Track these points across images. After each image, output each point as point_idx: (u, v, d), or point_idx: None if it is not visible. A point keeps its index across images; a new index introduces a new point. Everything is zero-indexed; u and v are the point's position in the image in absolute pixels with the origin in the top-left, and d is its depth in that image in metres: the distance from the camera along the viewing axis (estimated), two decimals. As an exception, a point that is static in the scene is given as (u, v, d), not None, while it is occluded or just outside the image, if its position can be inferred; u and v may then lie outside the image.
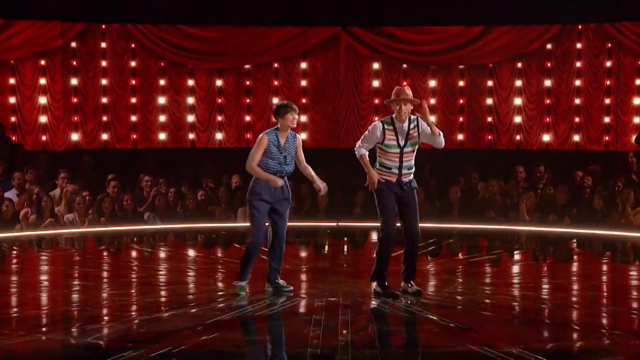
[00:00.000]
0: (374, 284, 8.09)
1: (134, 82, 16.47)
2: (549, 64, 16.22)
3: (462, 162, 16.00)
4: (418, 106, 8.00)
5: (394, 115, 7.92)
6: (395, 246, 8.05)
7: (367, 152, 8.00)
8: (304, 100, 16.51)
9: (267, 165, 7.96)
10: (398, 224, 7.97)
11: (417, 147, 7.96)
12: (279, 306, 7.77)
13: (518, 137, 16.36)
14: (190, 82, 16.57)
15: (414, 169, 7.99)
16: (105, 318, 7.40)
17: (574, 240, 12.98)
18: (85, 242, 13.06)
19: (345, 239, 12.98)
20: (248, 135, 16.53)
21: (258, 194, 7.95)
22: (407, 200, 7.89)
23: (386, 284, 8.00)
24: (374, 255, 8.11)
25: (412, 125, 7.90)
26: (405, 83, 16.32)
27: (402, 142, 7.86)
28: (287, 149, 7.98)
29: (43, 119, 16.15)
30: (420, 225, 8.00)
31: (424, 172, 14.53)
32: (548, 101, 16.26)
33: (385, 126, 7.87)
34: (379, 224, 7.91)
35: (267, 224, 8.12)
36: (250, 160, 7.99)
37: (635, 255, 12.07)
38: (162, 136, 16.57)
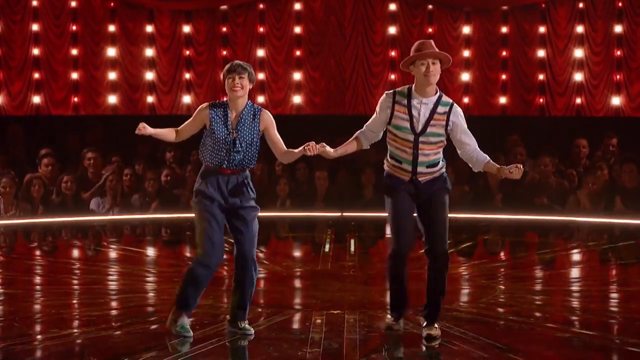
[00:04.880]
0: (388, 317, 7.53)
1: (74, 27, 16.40)
2: (619, 4, 16.15)
3: (504, 133, 15.98)
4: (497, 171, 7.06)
5: (413, 86, 7.11)
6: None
7: (366, 140, 7.21)
8: (298, 53, 16.46)
9: (206, 148, 7.23)
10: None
11: (443, 140, 7.14)
12: (266, 320, 7.77)
13: (579, 101, 16.33)
14: (149, 29, 16.51)
15: (440, 167, 7.21)
16: (39, 337, 7.39)
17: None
18: (11, 238, 13.04)
19: (352, 232, 13.00)
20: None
21: (200, 191, 7.19)
22: (430, 205, 7.14)
23: (400, 320, 7.36)
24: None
25: (441, 109, 7.07)
26: (430, 30, 16.29)
27: (418, 127, 7.03)
28: (239, 129, 7.18)
29: (-44, 76, 16.14)
30: (449, 223, 7.23)
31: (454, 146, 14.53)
32: (619, 53, 16.22)
33: (397, 97, 7.09)
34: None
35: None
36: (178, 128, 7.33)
37: None
38: (113, 99, 16.52)
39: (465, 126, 7.16)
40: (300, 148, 7.13)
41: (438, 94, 7.13)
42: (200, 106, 7.36)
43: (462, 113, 7.17)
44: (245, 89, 7.25)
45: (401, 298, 7.31)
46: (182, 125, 7.38)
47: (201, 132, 7.36)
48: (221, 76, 7.37)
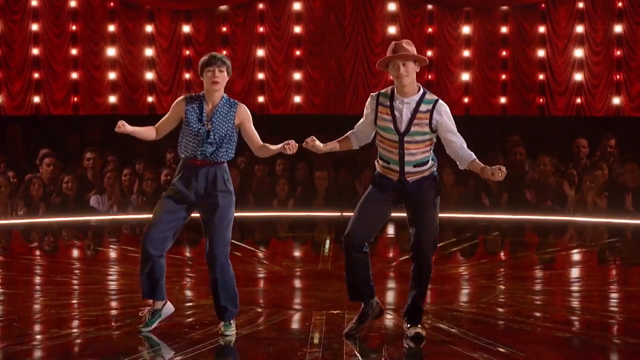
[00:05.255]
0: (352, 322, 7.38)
1: (74, 27, 16.39)
2: (619, 4, 16.14)
3: (504, 132, 15.97)
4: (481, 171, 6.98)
5: (395, 86, 7.12)
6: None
7: (356, 140, 7.25)
8: (297, 53, 16.44)
9: (182, 140, 7.32)
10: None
11: (430, 139, 7.10)
12: (266, 320, 7.77)
13: (579, 101, 16.32)
14: (149, 29, 16.50)
15: (430, 165, 7.16)
16: (38, 337, 7.38)
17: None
18: (10, 238, 13.03)
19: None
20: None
21: (173, 185, 7.30)
22: (418, 206, 7.10)
23: (366, 312, 7.22)
24: None
25: (424, 108, 7.04)
26: (430, 30, 16.28)
27: (402, 127, 7.02)
28: (214, 121, 7.22)
29: (-45, 76, 16.13)
30: (438, 223, 7.14)
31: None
32: (618, 53, 16.21)
33: (381, 99, 7.11)
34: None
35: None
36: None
37: None
38: (112, 99, 16.51)
39: (452, 124, 7.11)
40: (280, 145, 7.15)
41: (421, 92, 7.11)
42: (177, 99, 7.42)
43: (447, 110, 7.12)
44: (224, 82, 7.30)
45: (356, 287, 7.24)
46: (160, 121, 7.45)
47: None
48: (198, 68, 7.36)
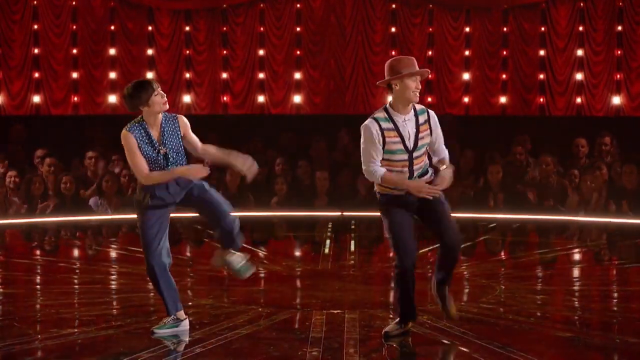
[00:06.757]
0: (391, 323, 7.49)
1: (74, 27, 16.39)
2: (620, 3, 16.15)
3: (504, 133, 15.96)
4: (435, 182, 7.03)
5: (388, 105, 7.03)
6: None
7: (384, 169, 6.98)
8: (298, 52, 16.44)
9: None
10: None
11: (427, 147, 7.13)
12: (266, 320, 7.77)
13: (579, 100, 16.32)
14: (149, 28, 16.50)
15: (430, 173, 7.14)
16: (38, 336, 7.38)
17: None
18: (11, 237, 13.03)
19: (352, 226, 12.99)
20: (225, 98, 16.48)
21: (149, 205, 7.30)
22: (430, 204, 7.01)
23: (408, 328, 7.31)
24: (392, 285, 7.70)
25: (421, 119, 7.01)
26: (430, 30, 16.28)
27: (410, 144, 6.96)
28: (166, 142, 7.16)
29: (-45, 76, 16.13)
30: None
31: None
32: (619, 52, 16.21)
33: (382, 124, 6.92)
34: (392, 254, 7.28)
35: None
36: (139, 171, 7.12)
37: None
38: (112, 99, 16.51)
39: (442, 133, 7.14)
40: (234, 161, 7.25)
41: (411, 105, 7.04)
42: (124, 134, 7.17)
43: (437, 118, 7.13)
44: None
45: (411, 309, 7.28)
46: (138, 162, 7.15)
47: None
48: (131, 95, 7.19)
